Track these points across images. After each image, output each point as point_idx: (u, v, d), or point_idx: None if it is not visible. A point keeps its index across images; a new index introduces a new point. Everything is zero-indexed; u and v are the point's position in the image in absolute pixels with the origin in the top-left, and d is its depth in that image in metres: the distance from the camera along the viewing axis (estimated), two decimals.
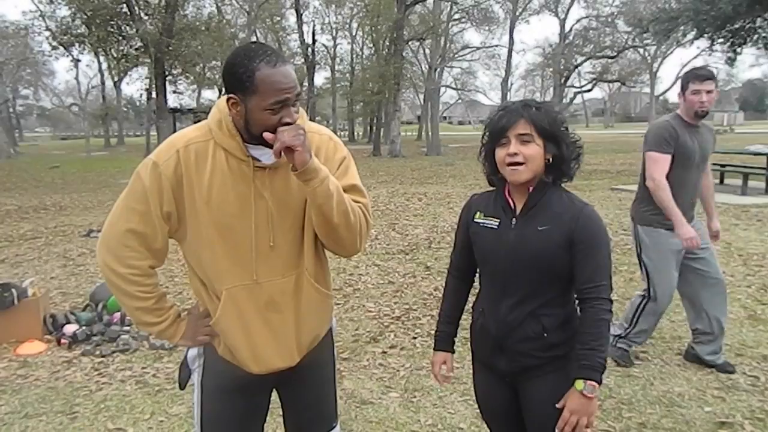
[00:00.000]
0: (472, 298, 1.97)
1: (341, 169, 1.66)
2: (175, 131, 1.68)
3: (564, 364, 1.71)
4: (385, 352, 3.92)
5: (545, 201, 1.69)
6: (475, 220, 1.80)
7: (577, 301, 1.71)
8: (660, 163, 3.23)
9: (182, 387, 1.78)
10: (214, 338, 1.67)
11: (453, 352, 1.97)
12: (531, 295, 1.70)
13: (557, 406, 1.66)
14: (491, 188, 1.85)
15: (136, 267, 1.57)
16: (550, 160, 1.69)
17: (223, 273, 1.57)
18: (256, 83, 1.42)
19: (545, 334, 1.70)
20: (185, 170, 1.53)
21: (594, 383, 1.60)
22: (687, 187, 3.30)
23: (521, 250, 1.68)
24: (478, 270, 1.89)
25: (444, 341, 1.95)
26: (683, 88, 3.26)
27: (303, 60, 31.23)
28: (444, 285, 2.02)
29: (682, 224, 3.17)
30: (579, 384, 1.61)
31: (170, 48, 20.72)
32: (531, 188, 1.70)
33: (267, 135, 1.44)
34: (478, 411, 2.05)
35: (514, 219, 1.72)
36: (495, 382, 1.85)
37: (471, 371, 1.99)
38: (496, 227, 1.74)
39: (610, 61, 30.58)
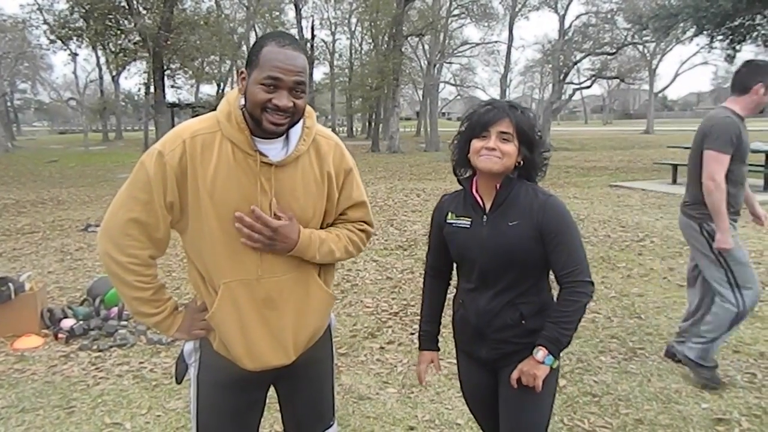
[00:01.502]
0: (450, 294, 2.01)
1: (347, 181, 1.72)
2: (173, 126, 1.68)
3: None
4: (382, 348, 3.92)
5: (513, 196, 1.75)
6: (448, 220, 1.85)
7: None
8: (723, 165, 3.10)
9: (179, 381, 1.77)
10: (209, 333, 1.67)
11: (438, 349, 2.03)
12: (509, 287, 1.76)
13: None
14: (460, 188, 1.90)
15: (136, 256, 1.56)
16: (521, 162, 1.76)
17: (222, 266, 1.56)
18: (260, 57, 1.48)
19: (523, 321, 1.76)
20: (190, 161, 1.52)
21: (544, 349, 1.68)
22: (744, 183, 3.26)
23: (495, 246, 1.74)
24: (454, 267, 1.95)
25: (428, 340, 2.02)
26: (764, 84, 3.11)
27: None
28: (422, 285, 2.06)
29: (726, 231, 3.11)
30: (534, 349, 1.70)
31: (168, 42, 20.62)
32: (498, 185, 1.76)
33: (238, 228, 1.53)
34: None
35: (484, 216, 1.77)
36: (477, 371, 1.91)
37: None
38: (468, 226, 1.79)
39: (609, 57, 30.44)
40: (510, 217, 1.73)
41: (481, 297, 1.79)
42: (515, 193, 1.76)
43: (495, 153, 1.70)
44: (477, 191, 1.81)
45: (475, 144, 1.74)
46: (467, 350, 1.92)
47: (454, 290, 1.97)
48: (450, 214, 1.85)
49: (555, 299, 1.77)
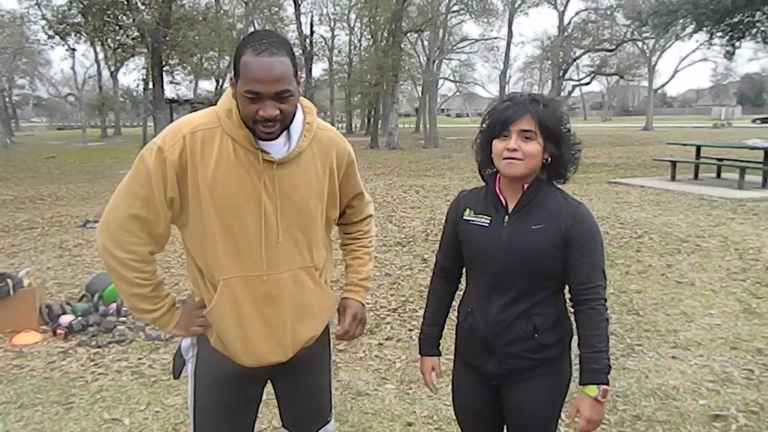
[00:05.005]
0: (457, 299, 1.92)
1: (350, 172, 1.75)
2: (172, 122, 1.66)
3: (555, 366, 1.70)
4: (381, 344, 3.92)
5: (539, 199, 1.64)
6: (465, 217, 1.73)
7: (571, 303, 1.67)
8: None
9: (176, 376, 1.77)
10: (207, 329, 1.66)
11: (440, 354, 1.91)
12: (523, 295, 1.65)
13: (566, 419, 1.61)
14: (481, 184, 1.80)
15: (135, 252, 1.55)
16: (548, 160, 1.64)
17: (222, 262, 1.56)
18: (239, 67, 1.44)
19: (536, 335, 1.65)
20: (190, 156, 1.51)
21: (606, 387, 1.57)
22: None
23: (514, 249, 1.62)
24: (464, 270, 1.84)
25: (430, 345, 1.89)
26: None
27: (301, 51, 31.08)
28: (429, 285, 1.95)
29: None
30: (592, 390, 1.56)
31: (167, 38, 20.57)
32: (526, 185, 1.64)
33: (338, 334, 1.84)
34: None
35: (506, 217, 1.66)
36: (479, 384, 1.79)
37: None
38: (487, 225, 1.68)
39: (608, 54, 30.53)
40: (534, 220, 1.62)
41: (493, 305, 1.67)
42: (543, 195, 1.64)
43: (517, 154, 1.58)
44: (500, 189, 1.69)
45: (497, 145, 1.62)
46: (473, 364, 1.77)
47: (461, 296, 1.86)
48: (468, 210, 1.73)
49: (579, 321, 1.64)
